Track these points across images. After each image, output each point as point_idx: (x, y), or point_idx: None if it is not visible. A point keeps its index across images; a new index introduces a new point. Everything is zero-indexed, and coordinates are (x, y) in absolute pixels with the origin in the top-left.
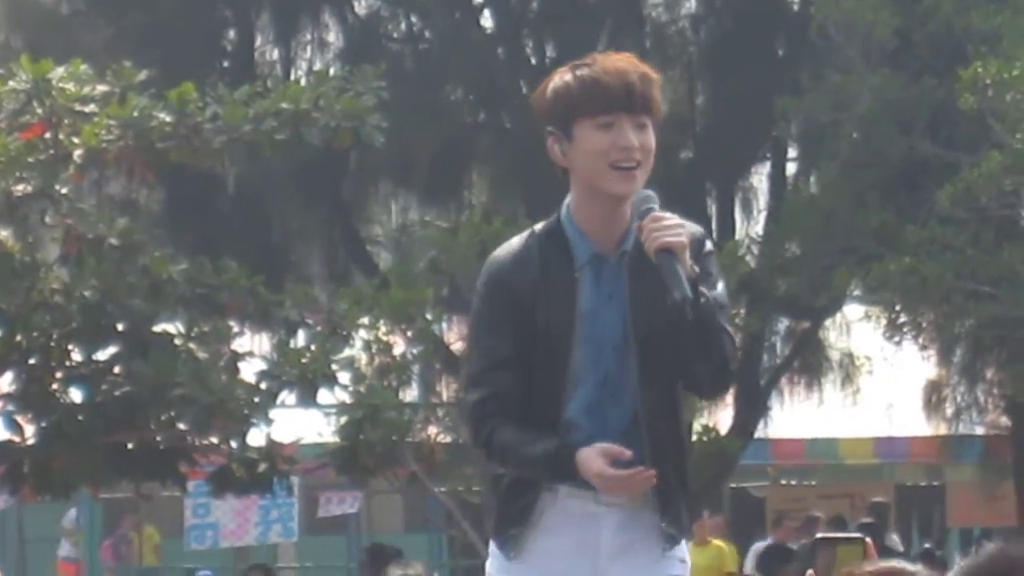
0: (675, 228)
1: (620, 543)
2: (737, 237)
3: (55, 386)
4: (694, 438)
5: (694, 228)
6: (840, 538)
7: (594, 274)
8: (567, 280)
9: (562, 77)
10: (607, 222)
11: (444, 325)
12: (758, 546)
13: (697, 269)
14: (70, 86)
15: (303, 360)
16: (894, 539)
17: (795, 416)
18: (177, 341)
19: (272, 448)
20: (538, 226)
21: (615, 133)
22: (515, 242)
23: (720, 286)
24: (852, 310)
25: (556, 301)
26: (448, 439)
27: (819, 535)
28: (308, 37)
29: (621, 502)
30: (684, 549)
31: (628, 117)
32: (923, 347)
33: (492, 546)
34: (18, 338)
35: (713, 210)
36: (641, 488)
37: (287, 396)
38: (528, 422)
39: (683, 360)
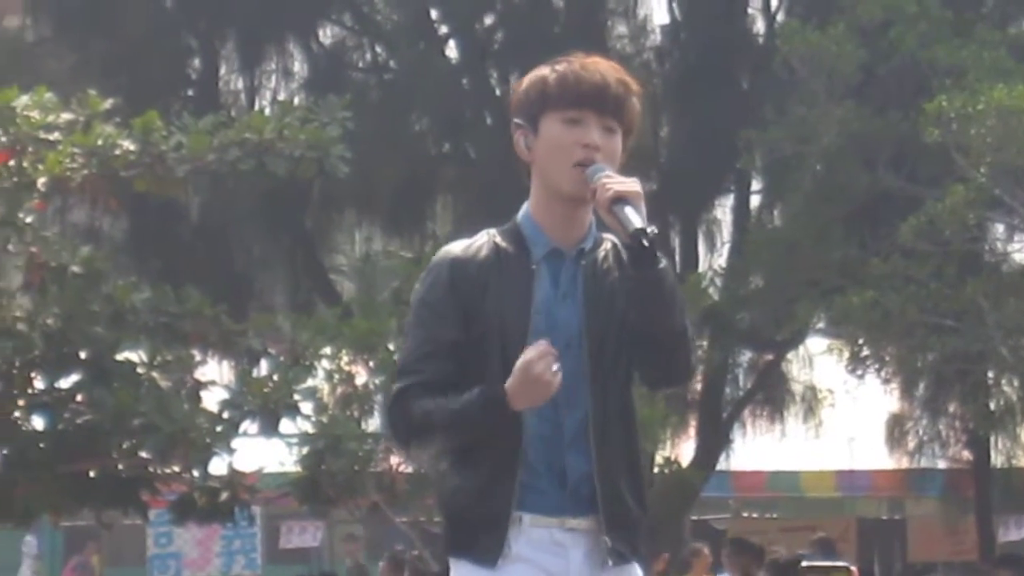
0: (629, 180)
1: (587, 572)
2: (700, 270)
3: (17, 414)
4: (655, 470)
5: None
6: (827, 567)
7: (551, 270)
8: (523, 272)
9: (539, 71)
10: (566, 221)
11: None
12: None
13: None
14: (35, 114)
15: (265, 390)
16: None
17: (757, 449)
18: (140, 369)
19: (234, 477)
20: (492, 229)
21: (580, 130)
22: (468, 239)
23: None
24: (815, 343)
25: (510, 293)
26: (410, 469)
27: (806, 563)
28: (273, 66)
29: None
30: (637, 572)
31: (596, 117)
32: (886, 380)
33: (463, 566)
34: None
35: (677, 243)
36: (545, 382)
37: (249, 425)
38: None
39: (642, 336)
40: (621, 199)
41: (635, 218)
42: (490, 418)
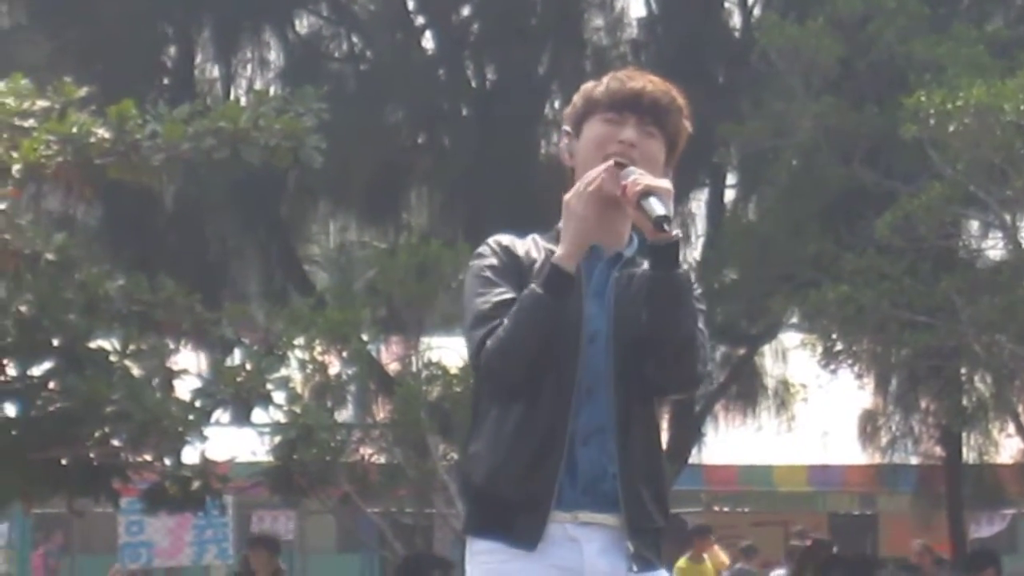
0: (661, 180)
1: (603, 567)
2: None
3: None
4: None
5: None
6: None
7: (587, 267)
8: None
9: (589, 83)
10: (605, 224)
11: (380, 346)
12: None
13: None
14: (10, 101)
15: (238, 379)
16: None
17: (729, 442)
18: (112, 358)
19: (206, 466)
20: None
21: (617, 128)
22: (512, 236)
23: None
24: (789, 337)
25: None
26: (382, 460)
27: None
28: (248, 55)
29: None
30: None
31: (636, 120)
32: (859, 376)
33: (479, 544)
34: None
35: None
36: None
37: (222, 414)
38: (533, 389)
39: (650, 337)
40: (650, 192)
41: (659, 207)
42: (553, 277)
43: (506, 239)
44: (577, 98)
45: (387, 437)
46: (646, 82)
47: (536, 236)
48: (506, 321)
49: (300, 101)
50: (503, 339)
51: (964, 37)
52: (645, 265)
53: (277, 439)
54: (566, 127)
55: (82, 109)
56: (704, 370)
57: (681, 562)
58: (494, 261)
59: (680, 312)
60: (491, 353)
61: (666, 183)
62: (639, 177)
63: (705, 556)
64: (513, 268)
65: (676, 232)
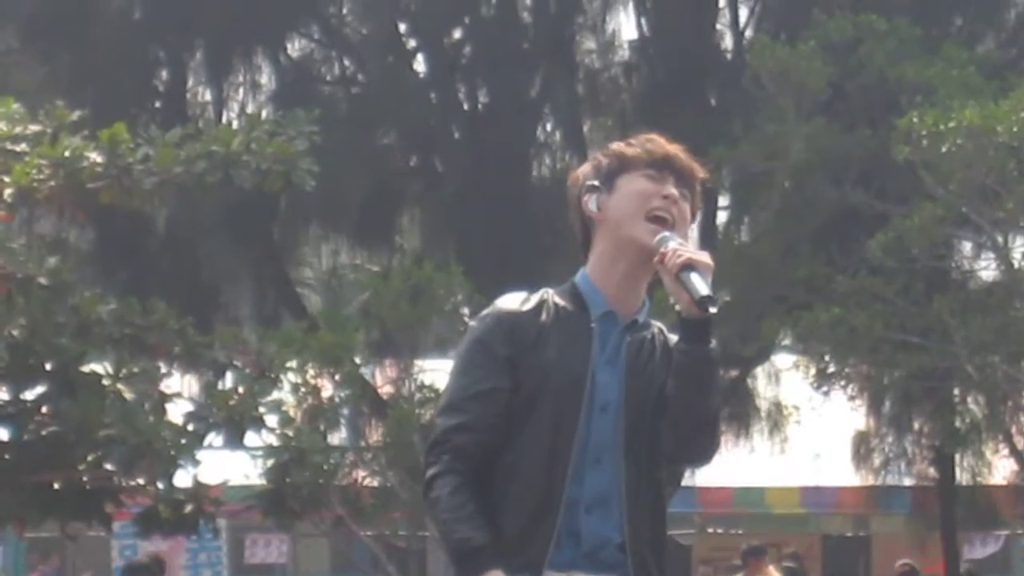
0: (701, 252)
1: None
2: None
3: None
4: None
5: None
6: None
7: (602, 332)
8: (582, 330)
9: (616, 144)
10: (625, 284)
11: (373, 369)
12: None
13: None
14: (1, 125)
15: (231, 402)
16: None
17: (723, 464)
18: (105, 381)
19: (199, 489)
20: (549, 288)
21: (660, 184)
22: (524, 294)
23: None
24: (781, 359)
25: (569, 349)
26: (375, 483)
27: None
28: (240, 79)
29: None
30: None
31: (674, 180)
32: (852, 397)
33: None
34: None
35: None
36: None
37: (214, 438)
38: (523, 464)
39: (674, 410)
40: (691, 267)
41: (702, 286)
42: (461, 565)
43: (513, 304)
44: (603, 156)
45: (380, 460)
46: (677, 147)
47: (550, 291)
48: (443, 504)
49: (292, 124)
50: (432, 502)
51: (955, 59)
52: (654, 328)
53: (270, 462)
54: (592, 182)
55: (74, 133)
56: (719, 446)
57: None
58: (493, 336)
59: (708, 389)
60: (425, 497)
61: (707, 257)
62: (680, 248)
63: None
64: (514, 342)
65: (714, 310)
